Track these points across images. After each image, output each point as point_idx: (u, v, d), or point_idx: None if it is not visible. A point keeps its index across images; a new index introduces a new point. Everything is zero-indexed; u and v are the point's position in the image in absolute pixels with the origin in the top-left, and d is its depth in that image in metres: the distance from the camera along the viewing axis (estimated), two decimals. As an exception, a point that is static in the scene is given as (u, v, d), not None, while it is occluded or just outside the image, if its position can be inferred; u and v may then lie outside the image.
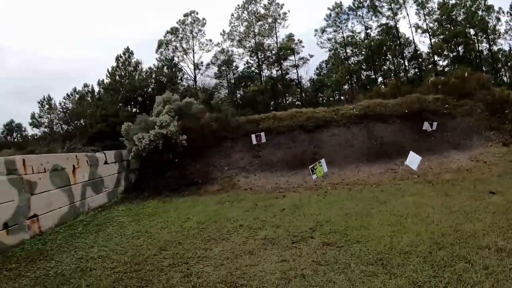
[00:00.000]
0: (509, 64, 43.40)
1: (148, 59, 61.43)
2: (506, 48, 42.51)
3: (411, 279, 5.08)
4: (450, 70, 34.01)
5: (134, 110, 32.81)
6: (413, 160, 12.11)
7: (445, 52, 42.54)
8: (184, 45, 41.28)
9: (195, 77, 41.47)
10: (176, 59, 40.90)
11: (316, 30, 44.44)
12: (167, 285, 5.72)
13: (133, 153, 15.54)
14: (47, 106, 42.69)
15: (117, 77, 35.23)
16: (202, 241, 7.95)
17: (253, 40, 42.76)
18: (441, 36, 41.78)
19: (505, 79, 42.77)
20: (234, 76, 44.76)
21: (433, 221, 7.64)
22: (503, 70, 44.29)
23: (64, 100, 41.89)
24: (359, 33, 44.06)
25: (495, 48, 42.21)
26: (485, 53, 42.27)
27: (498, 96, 18.74)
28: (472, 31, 41.19)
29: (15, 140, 42.60)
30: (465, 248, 5.97)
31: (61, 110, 41.43)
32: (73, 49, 70.96)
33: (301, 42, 42.81)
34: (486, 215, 7.69)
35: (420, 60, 43.64)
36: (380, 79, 44.16)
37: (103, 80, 37.40)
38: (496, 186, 10.17)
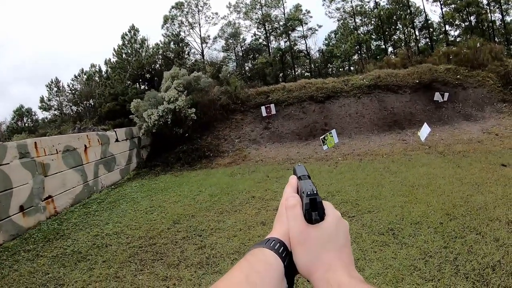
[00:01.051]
0: (523, 35, 42.48)
1: (154, 35, 60.57)
2: (520, 18, 41.66)
3: (422, 249, 5.15)
4: (462, 41, 33.28)
5: (142, 87, 32.37)
6: (424, 131, 12.09)
7: (457, 22, 41.63)
8: (190, 19, 40.43)
9: (202, 51, 40.80)
10: (182, 34, 40.01)
11: (324, 0, 43.72)
12: (182, 257, 5.85)
13: (143, 129, 15.56)
14: (55, 89, 42.34)
15: (123, 55, 34.64)
16: (215, 213, 8.06)
17: (260, 11, 41.87)
18: (453, 5, 40.79)
19: (518, 50, 42.09)
20: (242, 48, 44.03)
21: (444, 192, 7.68)
22: (516, 41, 43.50)
23: (72, 82, 41.60)
24: (368, 2, 43.01)
25: (508, 18, 41.15)
26: (498, 23, 41.19)
27: (511, 68, 18.42)
28: (485, 1, 40.27)
29: (26, 125, 42.68)
30: (476, 219, 6.02)
31: (69, 91, 41.13)
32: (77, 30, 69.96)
33: (309, 12, 41.88)
34: (497, 187, 7.68)
35: (431, 30, 42.77)
36: (390, 49, 43.37)
37: (110, 59, 37.08)
38: (508, 159, 10.13)
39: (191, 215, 8.06)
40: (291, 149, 15.16)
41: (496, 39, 37.49)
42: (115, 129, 14.62)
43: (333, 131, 12.44)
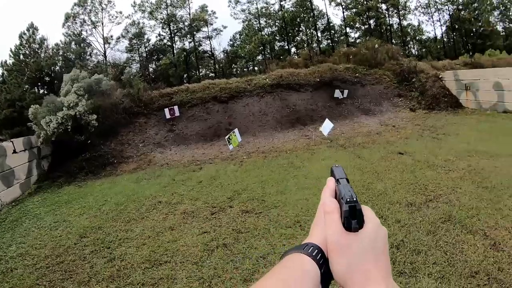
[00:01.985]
0: (417, 38, 46.15)
1: (56, 34, 57.13)
2: (415, 23, 45.26)
3: None
4: (361, 42, 35.14)
5: (42, 91, 30.56)
6: (326, 126, 12.38)
7: (357, 25, 44.11)
8: (93, 18, 38.66)
9: (105, 52, 39.30)
10: (84, 33, 38.33)
11: (229, 1, 43.94)
12: (91, 273, 5.47)
13: (42, 138, 14.29)
14: None
15: (21, 56, 32.53)
16: (122, 222, 7.65)
17: (165, 11, 41.32)
18: (354, 10, 43.11)
19: (413, 51, 45.48)
20: (146, 49, 43.05)
21: (346, 182, 7.83)
22: (411, 43, 47.11)
23: None
24: (273, 4, 44.21)
25: (405, 23, 44.57)
26: (395, 27, 44.47)
27: (406, 66, 19.98)
28: (384, 6, 42.93)
29: None
30: (378, 204, 6.29)
31: None
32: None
33: (214, 13, 42.16)
34: (395, 173, 8.12)
35: (333, 31, 44.78)
36: (293, 49, 44.84)
37: (5, 61, 34.58)
38: (404, 148, 10.76)
39: (98, 227, 7.55)
40: (196, 150, 14.89)
41: (393, 41, 40.30)
42: (12, 139, 13.33)
43: (236, 130, 12.36)
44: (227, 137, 12.39)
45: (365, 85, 18.74)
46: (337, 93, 17.16)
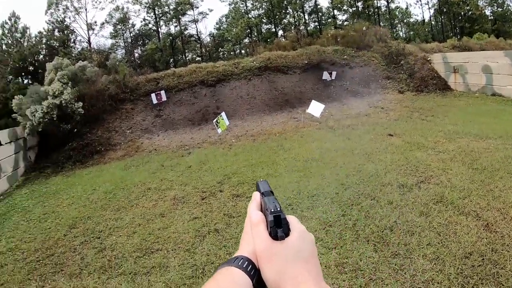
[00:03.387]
0: (405, 20, 45.83)
1: (38, 22, 55.59)
2: (403, 5, 45.24)
3: (321, 220, 5.21)
4: (349, 24, 34.96)
5: (26, 81, 30.03)
6: (316, 108, 12.35)
7: (345, 7, 43.70)
8: (76, 4, 37.56)
9: (89, 38, 38.24)
10: (67, 20, 37.35)
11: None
12: (82, 265, 5.39)
13: (28, 129, 14.00)
14: None
15: (3, 46, 31.85)
16: (111, 211, 7.56)
17: (150, -5, 40.74)
18: (342, -8, 42.88)
19: (401, 33, 45.23)
20: (131, 35, 42.34)
21: (337, 164, 7.87)
22: (399, 25, 46.72)
23: None
24: (260, -14, 43.81)
25: (392, 5, 44.29)
26: (383, 9, 44.16)
27: (394, 49, 20.02)
28: (371, -12, 42.73)
29: None
30: (369, 186, 6.25)
31: None
32: None
33: (200, -5, 41.64)
34: (386, 155, 8.09)
35: (320, 14, 44.44)
36: (280, 32, 44.40)
37: (-13, 52, 33.88)
38: (394, 129, 10.75)
39: (87, 217, 7.45)
40: (185, 135, 14.77)
41: (381, 23, 39.95)
42: (-4, 132, 13.08)
43: (223, 114, 12.27)
44: (214, 120, 12.31)
45: (353, 67, 18.71)
46: (326, 75, 17.12)
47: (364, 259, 4.14)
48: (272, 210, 0.78)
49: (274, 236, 0.75)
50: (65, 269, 5.36)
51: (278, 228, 0.76)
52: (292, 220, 0.80)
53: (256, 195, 0.93)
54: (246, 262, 0.76)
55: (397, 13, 45.08)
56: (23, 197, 10.53)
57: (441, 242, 4.27)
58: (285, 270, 0.72)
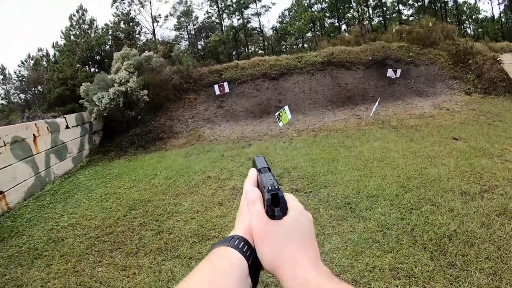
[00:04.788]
0: (473, 17, 43.64)
1: (104, 15, 57.64)
2: (472, 1, 42.84)
3: (379, 222, 5.18)
4: (414, 20, 33.84)
5: (92, 70, 31.09)
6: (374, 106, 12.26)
7: (410, 2, 42.38)
8: (141, -3, 39.18)
9: (153, 30, 39.20)
10: (132, 13, 38.28)
11: (278, -23, 43.35)
12: (140, 245, 5.65)
13: (95, 114, 14.79)
14: (1, 77, 40.15)
15: (72, 37, 33.14)
16: (171, 196, 7.83)
17: (213, -12, 41.23)
18: (407, -14, 41.63)
19: (469, 31, 43.04)
20: (194, 27, 42.97)
21: (398, 165, 7.77)
22: (467, 22, 44.52)
23: (18, 68, 39.61)
24: (324, -20, 43.29)
25: (460, 0, 42.46)
26: (450, 4, 42.41)
27: (462, 47, 19.00)
28: (438, -18, 41.16)
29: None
30: (431, 191, 6.14)
31: (16, 79, 39.12)
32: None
33: (263, -11, 41.72)
34: (449, 160, 7.88)
35: (385, 8, 43.40)
36: (344, 27, 43.70)
37: (57, 42, 35.40)
38: (459, 133, 10.41)
39: (147, 200, 7.77)
40: (246, 127, 14.98)
41: (448, 19, 38.38)
42: (65, 115, 13.82)
43: (286, 107, 12.32)
44: (277, 114, 12.39)
45: (418, 65, 18.16)
46: (390, 73, 16.75)
47: (419, 266, 4.09)
48: (270, 188, 0.77)
49: (271, 215, 0.76)
50: (123, 248, 5.66)
51: (275, 207, 0.76)
52: (290, 198, 0.81)
53: (252, 172, 0.93)
54: (242, 243, 0.76)
55: (464, 9, 43.03)
56: (87, 177, 11.13)
57: (501, 257, 4.11)
58: (282, 250, 0.73)
